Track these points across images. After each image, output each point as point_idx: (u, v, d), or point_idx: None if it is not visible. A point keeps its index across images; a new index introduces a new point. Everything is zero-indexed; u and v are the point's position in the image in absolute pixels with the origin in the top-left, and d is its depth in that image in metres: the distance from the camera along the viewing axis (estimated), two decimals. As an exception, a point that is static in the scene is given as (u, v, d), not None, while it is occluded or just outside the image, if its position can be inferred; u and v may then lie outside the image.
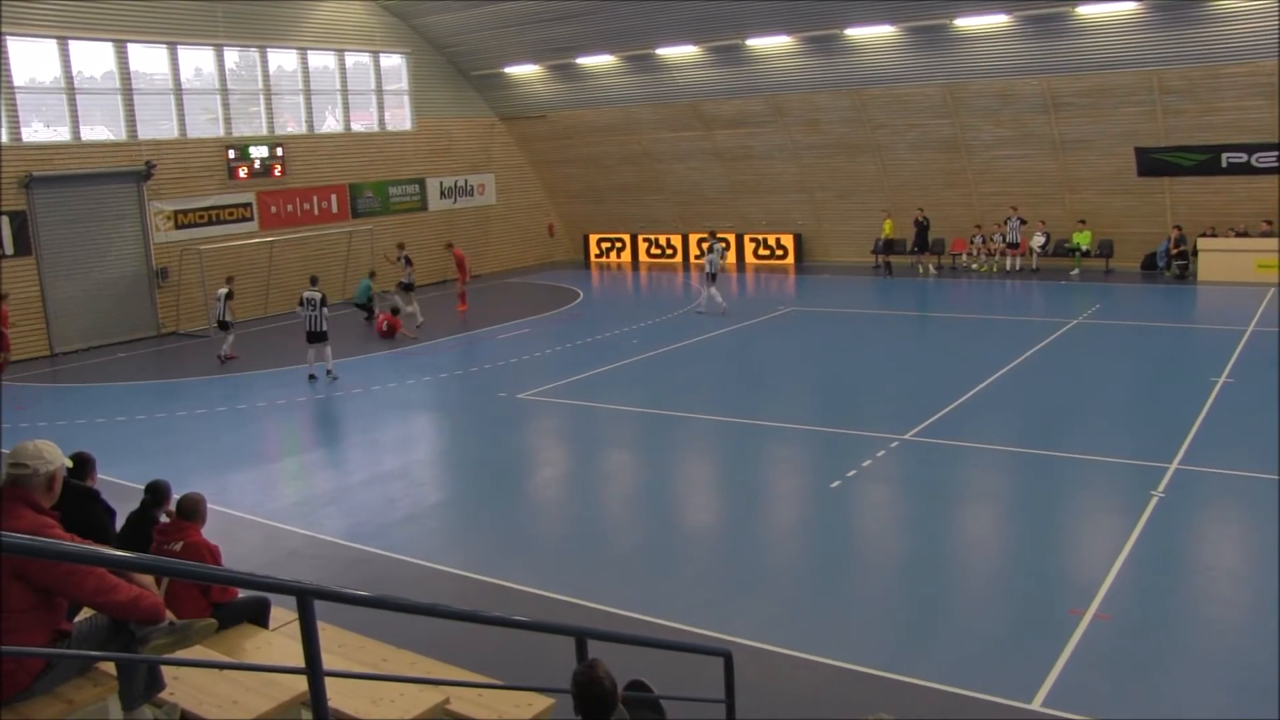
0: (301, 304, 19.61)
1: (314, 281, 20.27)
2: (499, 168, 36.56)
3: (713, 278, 25.17)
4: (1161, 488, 11.74)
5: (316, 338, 19.43)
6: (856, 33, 27.98)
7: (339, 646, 6.20)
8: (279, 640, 6.08)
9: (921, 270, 30.91)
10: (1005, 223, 29.57)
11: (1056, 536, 10.91)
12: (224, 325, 22.41)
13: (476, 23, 31.26)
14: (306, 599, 3.65)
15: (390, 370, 20.54)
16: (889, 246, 31.25)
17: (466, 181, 35.13)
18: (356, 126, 31.79)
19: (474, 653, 7.37)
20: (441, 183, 34.12)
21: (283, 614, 6.54)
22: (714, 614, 9.15)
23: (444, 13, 31.19)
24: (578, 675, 4.41)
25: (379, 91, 32.19)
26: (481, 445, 15.57)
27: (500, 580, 10.16)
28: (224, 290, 22.61)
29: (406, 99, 33.08)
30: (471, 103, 35.36)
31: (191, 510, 6.68)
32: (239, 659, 5.68)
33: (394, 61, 32.63)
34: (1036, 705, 7.46)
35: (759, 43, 29.50)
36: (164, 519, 6.95)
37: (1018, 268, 29.71)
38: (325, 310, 19.45)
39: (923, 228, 30.29)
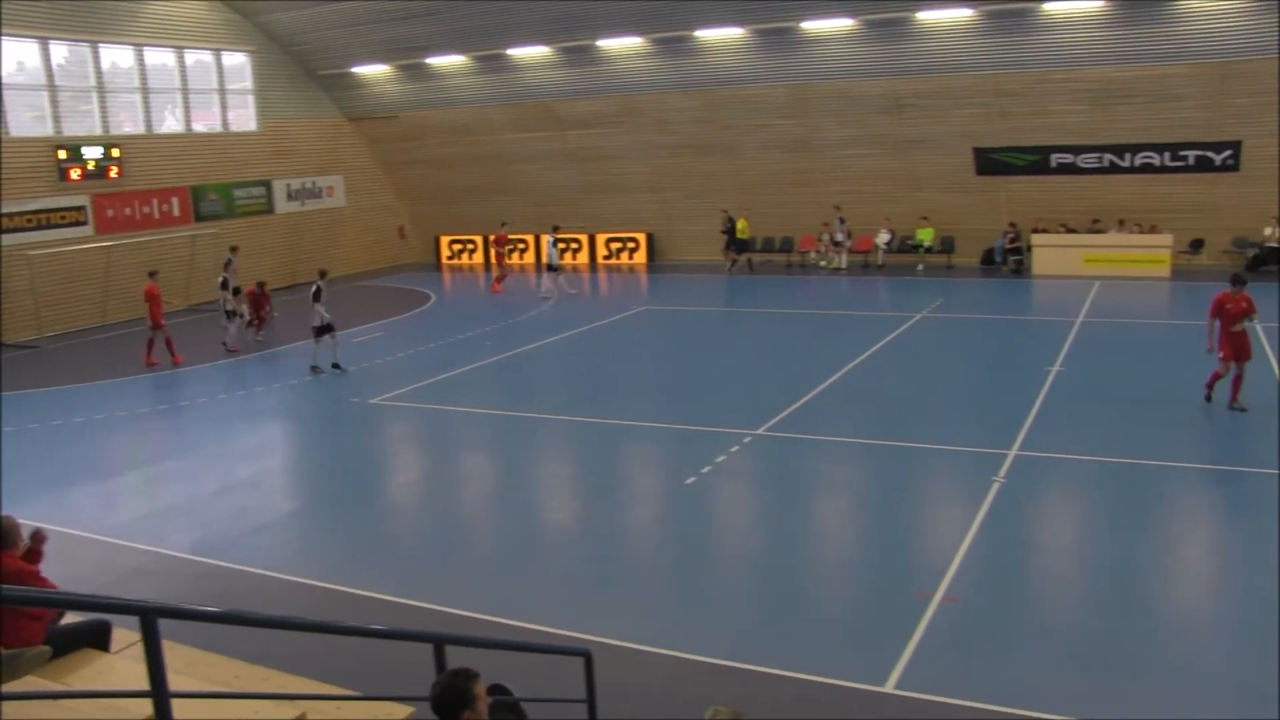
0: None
1: (322, 275, 20.28)
2: (348, 169, 35.81)
3: (550, 268, 27.71)
4: (1002, 473, 12.35)
5: (319, 331, 19.43)
6: (706, 34, 28.47)
7: (187, 666, 6.00)
8: (121, 664, 5.85)
9: (730, 268, 31.73)
10: (834, 222, 30.61)
11: (904, 524, 11.35)
12: (230, 315, 22.70)
13: (322, 21, 30.56)
14: (150, 618, 3.55)
15: (240, 378, 19.92)
16: (744, 245, 31.82)
17: (314, 183, 34.27)
18: (198, 127, 30.64)
19: (331, 664, 7.22)
20: (289, 185, 33.19)
21: (126, 635, 6.30)
22: (573, 614, 9.21)
23: (288, 10, 30.39)
24: (433, 688, 4.39)
25: (221, 91, 31.10)
26: (335, 452, 15.26)
27: (357, 589, 9.99)
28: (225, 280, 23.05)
29: (251, 99, 32.08)
30: (318, 103, 34.54)
31: (1, 536, 6.12)
32: (77, 686, 5.45)
33: (237, 60, 31.59)
34: (889, 688, 7.74)
35: (610, 43, 29.71)
36: None
37: (844, 265, 30.76)
38: (317, 305, 19.34)
39: (731, 228, 31.18)
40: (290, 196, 33.33)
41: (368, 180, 36.85)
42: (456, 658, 5.31)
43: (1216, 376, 14.83)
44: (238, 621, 4.31)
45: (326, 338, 19.50)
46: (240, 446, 15.53)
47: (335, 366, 19.61)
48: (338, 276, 33.90)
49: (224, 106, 31.25)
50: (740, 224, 31.61)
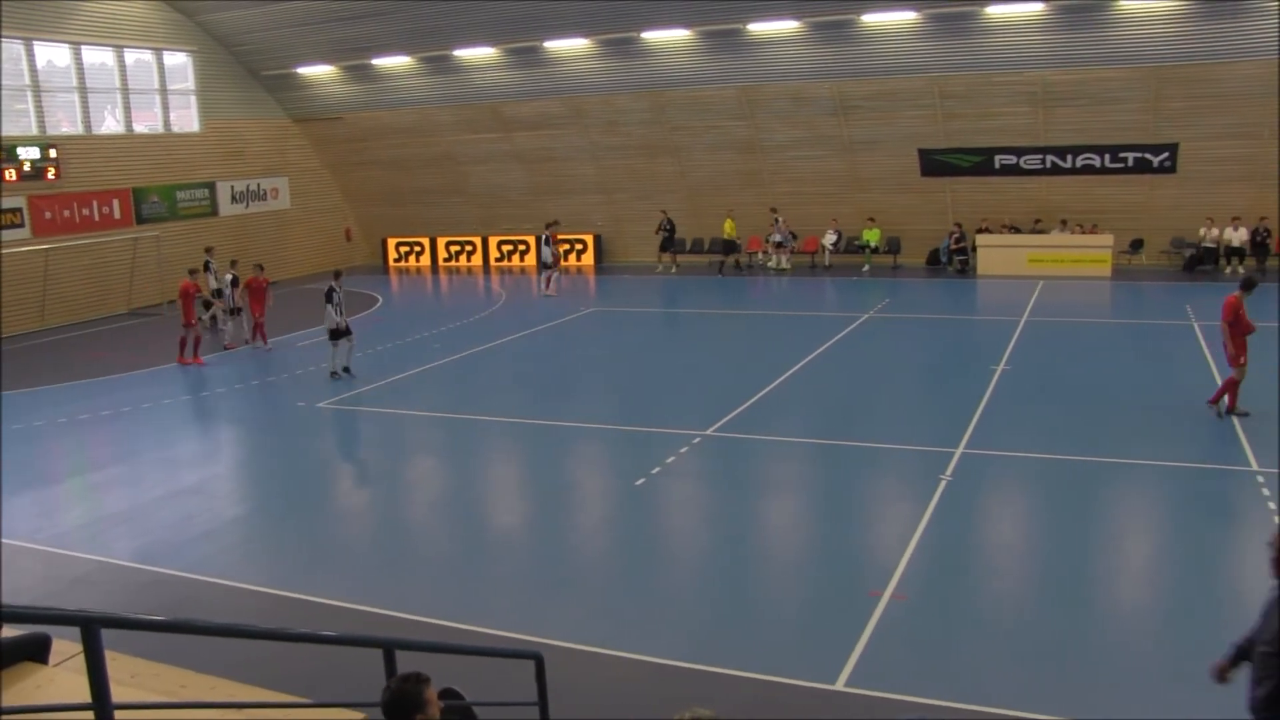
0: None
1: (336, 275, 19.75)
2: (293, 171, 35.39)
3: (544, 265, 28.60)
4: (949, 471, 12.51)
5: (335, 334, 18.87)
6: (653, 36, 28.53)
7: (131, 677, 5.90)
8: (62, 676, 5.72)
9: (662, 269, 31.98)
10: (771, 224, 30.88)
11: (854, 523, 11.45)
12: (234, 310, 22.62)
13: (266, 21, 30.18)
14: (92, 628, 3.49)
15: (185, 382, 19.61)
16: (730, 247, 31.67)
17: (259, 185, 33.81)
18: (139, 127, 30.11)
19: (280, 671, 7.16)
20: (233, 187, 32.70)
21: (67, 647, 6.17)
22: (524, 616, 9.19)
23: (230, 10, 29.96)
24: (383, 693, 4.36)
25: (163, 91, 30.59)
26: (282, 456, 15.08)
27: (306, 595, 9.90)
28: (229, 276, 22.93)
29: (193, 99, 31.57)
30: (263, 104, 34.10)
31: None
32: (15, 702, 5.33)
33: (179, 60, 31.09)
34: (840, 686, 7.81)
35: (557, 45, 29.67)
36: None
37: (785, 266, 31.03)
38: (328, 306, 18.84)
39: (669, 230, 31.43)
40: (235, 199, 32.85)
41: (314, 182, 36.45)
42: (407, 663, 5.27)
43: (1235, 384, 14.14)
44: (183, 630, 4.23)
45: (343, 341, 19.01)
46: (186, 452, 15.29)
47: (346, 370, 19.13)
48: (283, 279, 33.57)
49: (166, 107, 30.74)
50: (728, 225, 31.35)
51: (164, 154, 30.42)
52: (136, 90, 29.90)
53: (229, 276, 23.09)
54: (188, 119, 31.61)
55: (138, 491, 13.52)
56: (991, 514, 11.84)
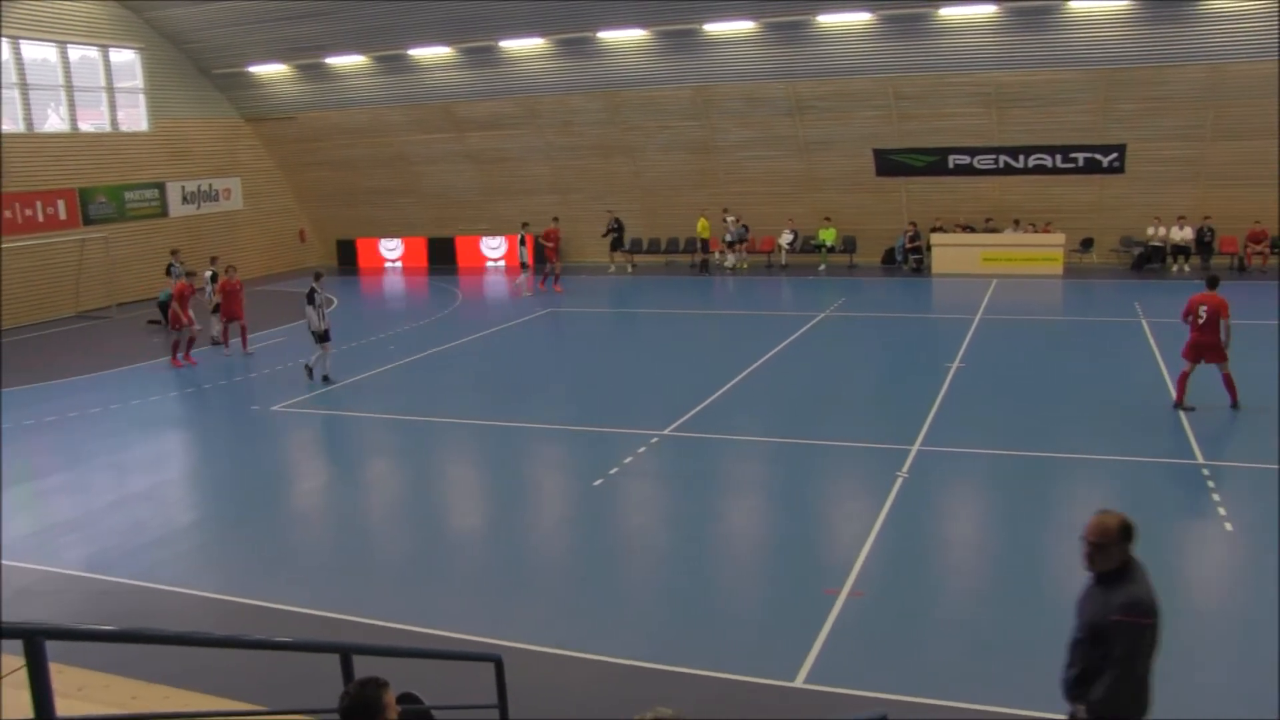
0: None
1: (317, 276, 19.22)
2: (246, 171, 34.94)
3: (524, 266, 29.25)
4: (905, 468, 12.60)
5: (319, 336, 18.43)
6: (609, 35, 28.50)
7: (79, 690, 5.77)
8: (5, 692, 5.60)
9: (615, 269, 32.02)
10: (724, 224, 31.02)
11: (811, 520, 11.50)
12: (216, 308, 22.29)
13: (217, 18, 29.76)
14: (35, 641, 3.40)
15: (136, 386, 19.27)
16: (704, 246, 31.65)
17: (211, 186, 33.35)
18: (85, 126, 29.55)
19: (235, 679, 7.06)
20: (184, 187, 32.22)
21: (12, 661, 6.03)
22: (483, 619, 9.12)
23: (179, 7, 29.53)
24: (340, 699, 4.30)
25: (110, 89, 30.05)
26: (236, 461, 14.86)
27: (262, 601, 9.74)
28: (209, 273, 22.75)
29: (142, 98, 31.06)
30: (214, 103, 33.63)
31: None
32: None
33: (126, 57, 30.55)
34: (799, 683, 7.82)
35: (512, 44, 29.56)
36: None
37: (733, 265, 31.22)
38: (309, 307, 18.39)
39: (617, 230, 31.52)
40: (185, 199, 32.36)
41: (267, 182, 36.02)
42: (365, 667, 5.20)
43: (1228, 378, 14.35)
44: (133, 639, 4.14)
45: (328, 345, 18.63)
46: (136, 457, 15.02)
47: (325, 379, 18.66)
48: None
49: (113, 105, 30.20)
50: (701, 224, 31.34)
51: (111, 153, 29.89)
52: (82, 88, 29.34)
53: (209, 274, 22.78)
54: (136, 118, 31.10)
55: (87, 499, 13.25)
56: (947, 510, 11.93)
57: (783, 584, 9.86)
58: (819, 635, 8.52)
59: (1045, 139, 27.55)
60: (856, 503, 11.98)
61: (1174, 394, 14.63)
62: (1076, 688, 5.25)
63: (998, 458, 13.13)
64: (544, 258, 29.33)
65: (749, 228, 31.18)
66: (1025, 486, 12.02)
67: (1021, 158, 27.97)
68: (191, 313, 20.88)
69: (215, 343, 22.36)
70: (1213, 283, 14.49)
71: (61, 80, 28.66)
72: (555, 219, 30.16)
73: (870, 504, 11.57)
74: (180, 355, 20.85)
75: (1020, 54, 26.15)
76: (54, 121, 28.91)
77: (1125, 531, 5.19)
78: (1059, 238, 28.24)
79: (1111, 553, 5.18)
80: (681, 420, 15.13)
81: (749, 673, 8.03)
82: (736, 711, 7.57)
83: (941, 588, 9.66)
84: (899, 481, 12.17)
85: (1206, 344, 14.20)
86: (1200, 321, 14.19)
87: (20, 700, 5.09)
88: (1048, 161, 27.68)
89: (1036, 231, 28.64)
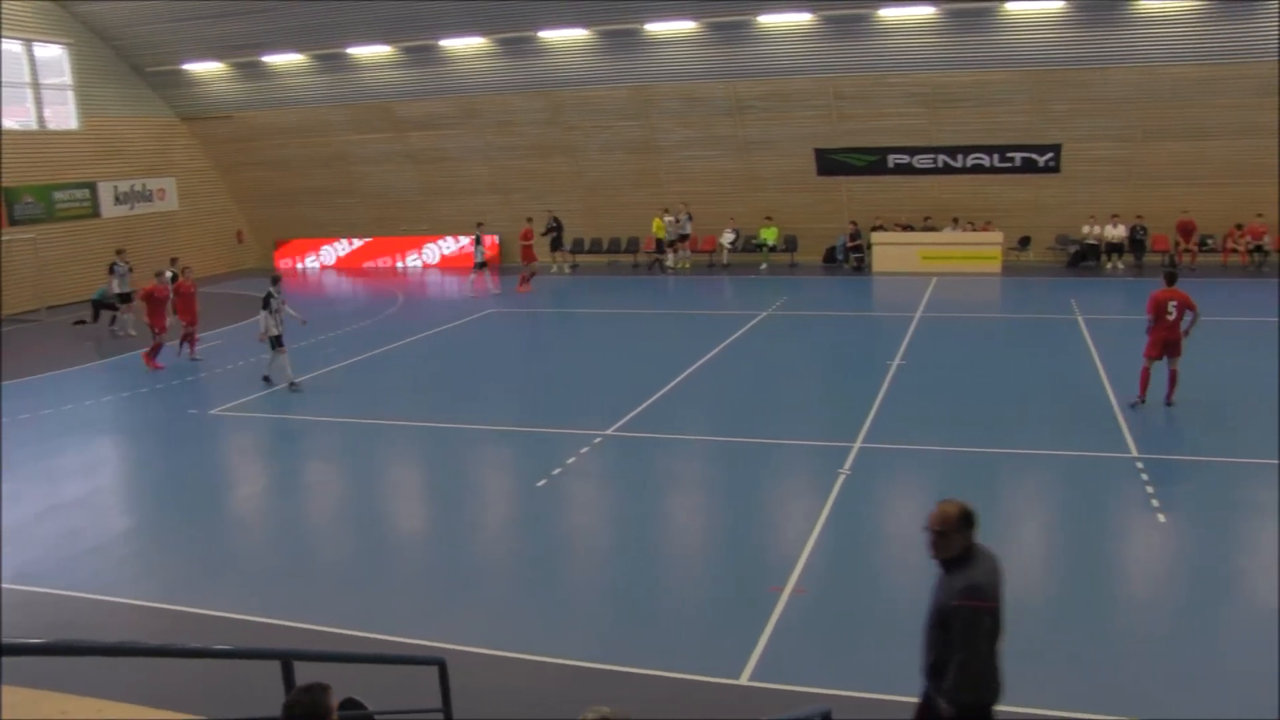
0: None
1: (275, 280, 18.59)
2: (181, 171, 34.28)
3: (480, 266, 28.33)
4: (847, 465, 12.70)
5: (275, 341, 17.92)
6: (549, 35, 28.42)
7: (9, 707, 5.62)
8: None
9: (556, 269, 32.09)
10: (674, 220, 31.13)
11: (754, 519, 11.53)
12: (125, 298, 21.83)
13: (147, 14, 29.17)
14: (-39, 656, 3.29)
15: (66, 390, 18.81)
16: (659, 245, 31.69)
17: (145, 186, 32.66)
18: (9, 123, 28.71)
19: (173, 689, 6.90)
20: (116, 187, 31.53)
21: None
22: (426, 623, 9.03)
23: (108, 1, 28.84)
24: (284, 705, 4.22)
25: (35, 85, 29.28)
26: (173, 466, 14.55)
27: (201, 609, 9.55)
28: (169, 273, 21.97)
29: (70, 95, 30.32)
30: (147, 101, 32.95)
31: None
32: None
33: (53, 52, 29.78)
34: (744, 680, 7.85)
35: (452, 43, 29.36)
36: None
37: (672, 264, 31.34)
38: (264, 312, 17.90)
39: (556, 229, 31.57)
40: (118, 200, 31.67)
41: (203, 182, 35.39)
42: (306, 673, 5.12)
43: (1176, 373, 14.64)
44: (62, 652, 4.03)
45: (282, 350, 18.13)
46: (69, 464, 14.65)
47: (265, 380, 18.35)
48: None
49: (39, 102, 29.44)
50: (656, 224, 31.41)
51: (38, 152, 29.12)
52: (6, 84, 28.45)
53: (169, 274, 21.94)
54: (64, 115, 30.34)
55: (14, 507, 12.84)
56: (889, 506, 12.04)
57: (727, 582, 9.88)
58: (763, 633, 8.55)
59: (982, 139, 27.94)
60: (799, 500, 12.06)
61: (1138, 390, 14.64)
62: (934, 676, 5.37)
63: (939, 454, 13.29)
64: (531, 256, 29.77)
65: (691, 215, 31.10)
66: (966, 482, 12.13)
67: (960, 157, 28.33)
68: (169, 317, 20.39)
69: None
70: (1171, 278, 14.72)
71: (-16, 76, 27.87)
72: (529, 219, 30.14)
73: (813, 501, 11.65)
74: (157, 357, 20.40)
75: (958, 55, 26.53)
76: (-23, 119, 28.12)
77: (965, 519, 5.50)
78: (997, 236, 28.66)
79: (953, 540, 5.48)
80: (624, 420, 15.12)
81: (695, 671, 8.03)
82: (682, 710, 7.57)
83: (883, 583, 9.74)
84: (841, 479, 12.26)
85: (1174, 339, 14.44)
86: (1170, 318, 14.41)
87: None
88: (985, 161, 28.07)
89: (975, 230, 29.05)
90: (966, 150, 28.23)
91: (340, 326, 24.11)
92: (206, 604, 9.64)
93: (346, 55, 30.48)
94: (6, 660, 3.92)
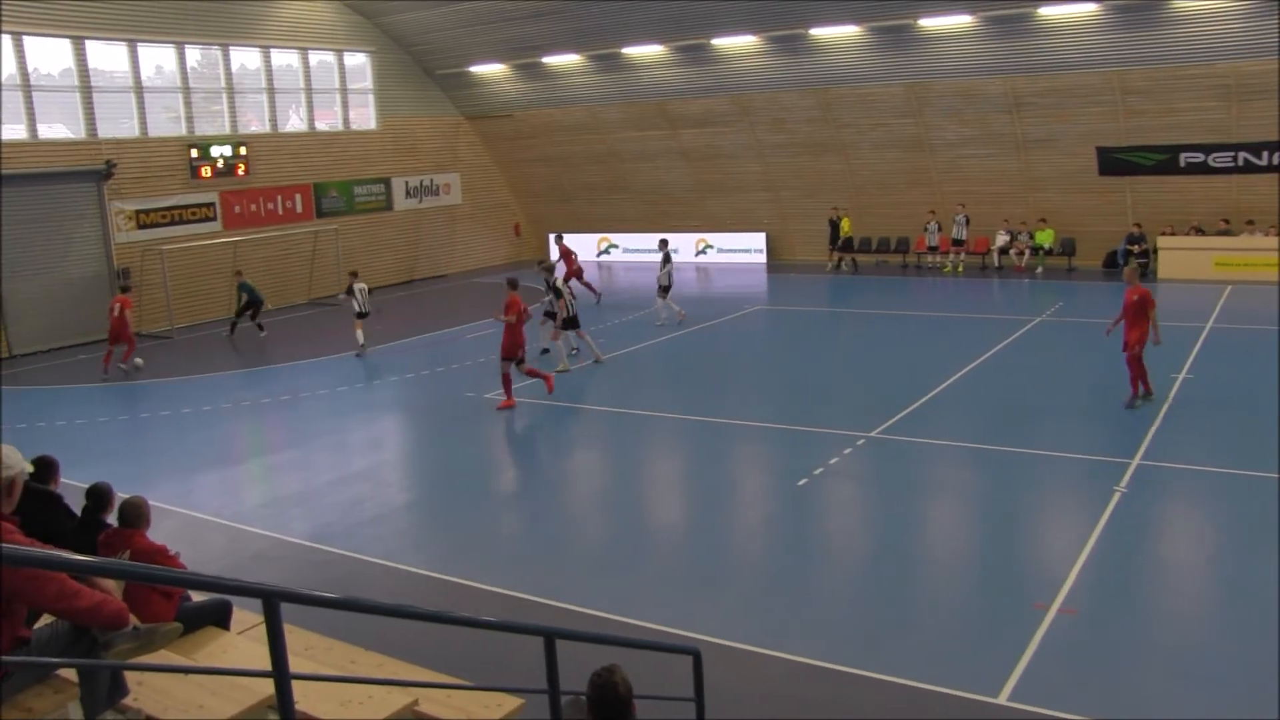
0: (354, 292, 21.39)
1: (355, 275, 21.60)
2: (465, 167, 36.41)
3: (665, 289, 23.41)
4: (1123, 483, 11.89)
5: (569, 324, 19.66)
6: (821, 32, 28.11)
7: (306, 649, 6.15)
8: (243, 644, 6.02)
9: (830, 267, 31.47)
10: (950, 221, 30.17)
11: (1021, 532, 11.03)
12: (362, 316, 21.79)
13: (442, 22, 31.12)
14: (273, 601, 3.61)
15: (356, 372, 20.41)
16: (848, 244, 31.44)
17: (432, 181, 34.95)
18: (320, 125, 31.53)
19: (442, 653, 7.34)
20: (407, 182, 33.92)
21: (246, 616, 6.47)
22: (681, 612, 9.15)
23: (409, 12, 31.01)
24: (595, 679, 4.42)
25: (343, 90, 31.94)
26: (448, 445, 15.50)
27: (467, 580, 10.13)
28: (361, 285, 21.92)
29: (371, 98, 32.85)
30: (437, 102, 35.19)
31: (135, 517, 6.32)
32: (203, 663, 5.61)
33: (358, 60, 32.39)
34: (1003, 699, 7.51)
35: (725, 42, 29.57)
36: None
37: (940, 265, 30.44)
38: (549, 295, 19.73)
39: (835, 226, 31.01)
40: (409, 194, 34.07)
41: (484, 178, 37.42)
42: (567, 652, 5.31)
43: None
44: (354, 608, 4.35)
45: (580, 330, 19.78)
46: (356, 439, 15.90)
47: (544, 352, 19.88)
48: (454, 273, 34.73)
49: (345, 105, 32.09)
50: (844, 223, 31.18)
51: (342, 150, 31.79)
52: (319, 90, 31.30)
53: (361, 286, 21.66)
54: (365, 117, 32.91)
55: (312, 475, 14.12)
56: (1169, 529, 11.20)
57: (988, 595, 9.48)
58: (1025, 651, 8.15)
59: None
60: (1069, 516, 11.40)
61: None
62: None
63: (1226, 477, 12.16)
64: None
65: (969, 219, 30.01)
66: (1258, 509, 11.09)
67: (1265, 155, 25.80)
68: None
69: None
70: None
71: (302, 83, 30.66)
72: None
73: (1084, 518, 10.98)
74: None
75: (1264, 40, 24.10)
76: (294, 122, 30.96)
77: None
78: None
79: None
80: (888, 423, 14.77)
81: (950, 684, 7.75)
82: (936, 723, 7.33)
83: (1160, 610, 9.07)
84: (1116, 496, 11.49)
85: None
86: None
87: (256, 653, 5.45)
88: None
89: (1277, 235, 26.39)
90: (1273, 147, 25.70)
91: (611, 319, 24.78)
92: (472, 577, 10.20)
93: (621, 55, 31.33)
94: (306, 609, 4.28)
